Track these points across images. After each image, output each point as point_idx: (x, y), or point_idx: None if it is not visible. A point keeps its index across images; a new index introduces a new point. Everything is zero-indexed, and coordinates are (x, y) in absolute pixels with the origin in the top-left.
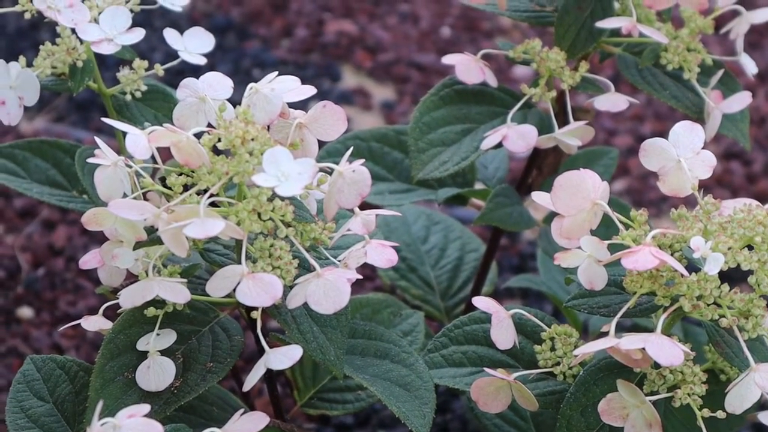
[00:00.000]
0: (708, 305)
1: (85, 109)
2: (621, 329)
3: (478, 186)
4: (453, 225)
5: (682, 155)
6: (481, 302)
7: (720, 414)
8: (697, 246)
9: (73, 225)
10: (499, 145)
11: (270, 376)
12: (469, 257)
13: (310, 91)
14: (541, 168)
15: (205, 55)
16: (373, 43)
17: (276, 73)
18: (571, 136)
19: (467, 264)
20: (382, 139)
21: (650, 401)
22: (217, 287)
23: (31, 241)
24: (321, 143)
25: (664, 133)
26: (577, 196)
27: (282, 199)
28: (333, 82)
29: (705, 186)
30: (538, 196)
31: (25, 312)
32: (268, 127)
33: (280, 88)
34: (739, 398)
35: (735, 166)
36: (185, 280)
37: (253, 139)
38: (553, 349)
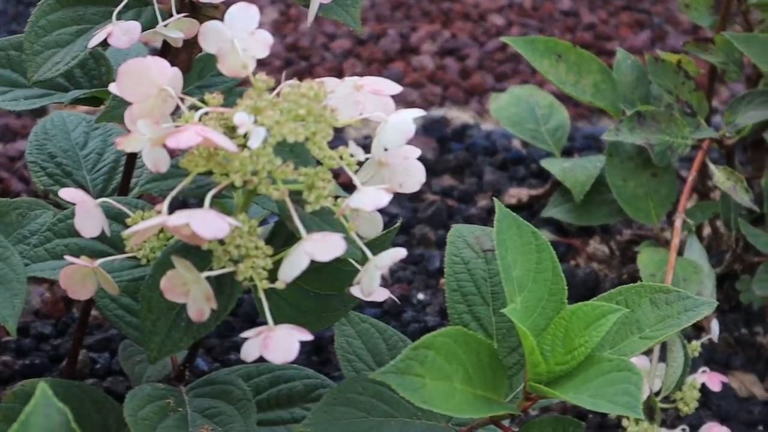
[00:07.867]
0: (262, 180)
1: None
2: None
3: None
4: (112, 130)
5: (237, 36)
6: (67, 193)
7: (279, 285)
8: (241, 122)
9: None
10: (106, 42)
11: None
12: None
13: None
14: (175, 65)
15: None
16: None
17: None
18: (174, 29)
19: (122, 166)
20: (20, 47)
21: (207, 276)
22: None
23: None
24: None
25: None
26: (143, 84)
27: None
28: None
29: (417, 83)
30: (113, 88)
31: None
32: None
33: None
34: (290, 266)
35: (449, 62)
36: None
37: None
38: None
